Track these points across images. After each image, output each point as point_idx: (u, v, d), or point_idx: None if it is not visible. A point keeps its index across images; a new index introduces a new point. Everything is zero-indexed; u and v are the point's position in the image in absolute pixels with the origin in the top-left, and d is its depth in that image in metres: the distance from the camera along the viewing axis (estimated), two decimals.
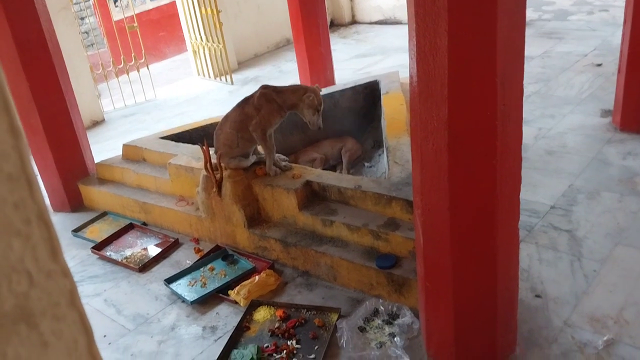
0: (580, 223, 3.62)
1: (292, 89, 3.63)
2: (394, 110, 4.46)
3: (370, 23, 9.74)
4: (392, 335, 2.88)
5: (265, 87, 3.63)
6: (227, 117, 3.69)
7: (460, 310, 2.51)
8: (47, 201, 4.84)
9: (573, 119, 5.05)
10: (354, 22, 9.96)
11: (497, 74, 2.04)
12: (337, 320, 3.05)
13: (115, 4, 8.97)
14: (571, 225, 3.61)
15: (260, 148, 3.73)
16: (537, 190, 3.96)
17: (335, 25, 9.76)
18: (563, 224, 3.63)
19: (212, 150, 3.74)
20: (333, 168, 4.75)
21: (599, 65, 6.21)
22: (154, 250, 3.98)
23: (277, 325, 3.10)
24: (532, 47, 6.58)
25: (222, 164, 3.67)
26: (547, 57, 6.65)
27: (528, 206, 3.75)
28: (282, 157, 3.86)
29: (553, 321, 2.89)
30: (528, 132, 4.46)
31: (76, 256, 4.08)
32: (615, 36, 6.96)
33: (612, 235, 3.46)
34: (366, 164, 4.75)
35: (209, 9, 7.35)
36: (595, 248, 3.37)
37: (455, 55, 2.03)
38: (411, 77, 2.26)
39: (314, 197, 3.60)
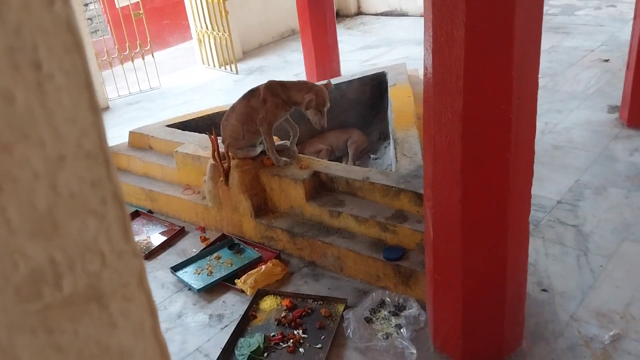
0: (587, 218, 3.62)
1: (298, 85, 3.57)
2: (402, 103, 4.45)
3: (376, 14, 9.70)
4: (399, 326, 2.89)
5: (270, 81, 3.61)
6: (233, 108, 3.68)
7: (469, 303, 2.52)
8: None
9: (580, 114, 5.04)
10: (359, 13, 9.92)
11: (513, 66, 2.04)
12: (343, 310, 3.06)
13: None
14: (578, 220, 3.61)
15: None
16: (543, 185, 3.95)
17: (340, 16, 9.72)
18: (570, 218, 3.64)
19: (219, 139, 3.73)
20: (339, 159, 4.75)
21: (606, 60, 6.19)
22: (159, 238, 3.98)
23: (283, 314, 3.11)
24: None
25: (229, 153, 3.66)
26: (554, 51, 6.63)
27: (535, 200, 3.71)
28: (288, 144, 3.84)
29: (559, 315, 2.90)
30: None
31: None
32: (622, 32, 6.94)
33: (619, 231, 3.46)
34: (372, 156, 4.75)
35: None
36: (601, 243, 3.37)
37: (472, 47, 2.02)
38: (426, 68, 2.25)
39: (321, 188, 3.60)
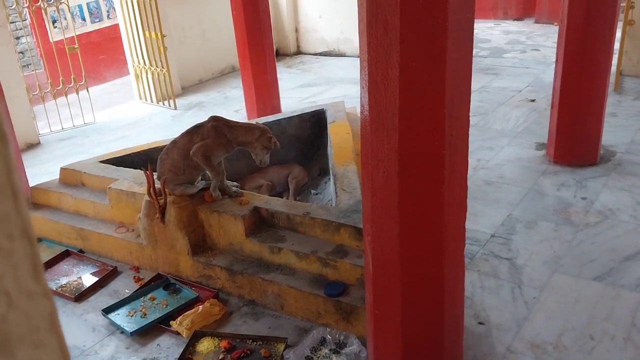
0: (519, 251, 3.74)
1: (246, 127, 3.62)
2: (341, 139, 4.51)
3: (315, 54, 9.89)
4: None
5: (216, 119, 3.59)
6: (174, 142, 3.61)
7: (409, 338, 2.52)
8: None
9: (510, 151, 5.27)
10: (299, 52, 10.09)
11: (445, 104, 2.11)
12: (283, 350, 3.00)
13: (54, 24, 8.71)
14: (511, 254, 3.73)
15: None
16: (477, 219, 4.07)
17: (280, 54, 9.85)
18: (503, 252, 3.75)
19: (155, 175, 3.64)
20: (279, 195, 4.73)
21: (533, 100, 6.54)
22: (91, 279, 3.80)
23: (221, 356, 3.01)
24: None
25: (166, 190, 3.57)
26: (484, 91, 6.94)
27: (469, 234, 3.81)
28: (232, 183, 3.81)
29: (496, 348, 2.95)
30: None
31: None
32: (546, 74, 7.38)
33: (550, 263, 3.59)
34: (313, 191, 4.76)
35: (153, 33, 7.26)
36: (534, 276, 3.49)
37: (406, 85, 2.08)
38: (362, 106, 2.30)
39: (261, 223, 3.56)
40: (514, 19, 11.07)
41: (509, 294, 3.35)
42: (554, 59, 4.84)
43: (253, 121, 5.18)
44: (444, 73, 2.06)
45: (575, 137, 4.74)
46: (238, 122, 3.65)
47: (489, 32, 10.07)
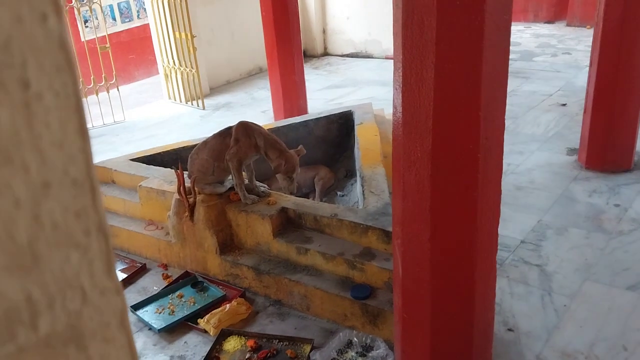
0: (549, 258, 3.68)
1: (273, 144, 3.52)
2: (368, 141, 4.49)
3: (342, 55, 9.88)
4: None
5: (245, 122, 3.60)
6: (205, 143, 3.64)
7: (437, 343, 2.50)
8: None
9: (540, 156, 5.19)
10: (326, 54, 10.09)
11: (480, 107, 2.08)
12: (310, 351, 2.99)
13: (85, 24, 8.86)
14: (541, 260, 3.66)
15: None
16: (507, 225, 4.01)
17: (307, 56, 9.86)
18: (533, 258, 3.69)
19: (185, 174, 3.67)
20: (305, 196, 4.73)
21: (564, 105, 6.43)
22: (120, 276, 3.84)
23: (247, 356, 3.01)
24: None
25: (195, 188, 3.60)
26: (514, 95, 6.85)
27: (499, 240, 3.77)
28: (260, 183, 3.82)
29: (526, 355, 2.90)
30: None
31: None
32: (578, 78, 7.25)
33: (581, 271, 3.52)
34: (339, 193, 4.75)
35: (183, 34, 7.33)
36: (564, 283, 3.42)
37: (440, 87, 2.06)
38: (395, 107, 2.28)
39: (289, 224, 3.56)
40: (545, 22, 10.90)
41: (539, 301, 3.29)
42: (586, 63, 4.76)
43: (283, 123, 5.21)
44: (480, 75, 2.03)
45: (608, 142, 4.65)
46: (268, 133, 3.61)
47: (519, 35, 9.94)
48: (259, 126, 3.62)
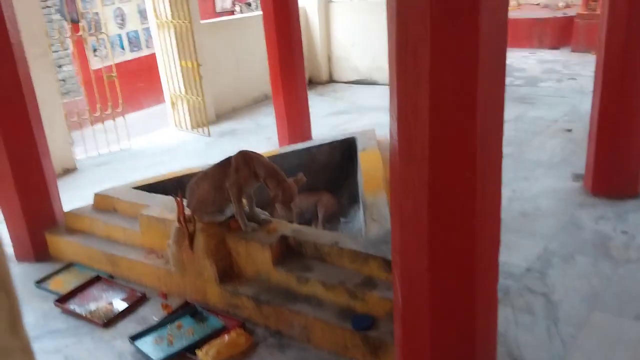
0: (555, 287, 3.60)
1: (270, 171, 3.49)
2: (371, 167, 4.47)
3: (347, 82, 9.94)
4: None
5: (245, 152, 3.59)
6: (206, 174, 3.63)
7: None
8: (10, 250, 4.65)
9: (546, 182, 5.14)
10: (331, 81, 10.16)
11: (477, 135, 2.05)
12: None
13: (94, 53, 9.00)
14: (547, 289, 3.59)
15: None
16: (511, 252, 3.95)
17: (313, 83, 9.94)
18: (539, 287, 3.61)
19: (185, 202, 3.66)
20: (308, 222, 4.70)
21: (569, 130, 6.40)
22: (120, 305, 3.81)
23: None
24: (506, 111, 6.72)
25: (195, 217, 3.58)
26: (519, 121, 6.82)
27: (503, 268, 3.72)
28: (261, 210, 3.80)
29: None
30: (502, 194, 4.49)
31: (38, 309, 3.88)
32: (583, 103, 7.22)
33: (588, 300, 3.44)
34: (342, 219, 4.72)
35: (189, 62, 7.42)
36: (571, 313, 3.34)
37: (436, 116, 2.04)
38: (391, 136, 2.26)
39: (289, 252, 3.53)
40: (550, 48, 10.94)
41: (545, 331, 3.21)
42: (591, 88, 4.73)
43: (286, 150, 5.21)
44: (475, 103, 2.01)
45: (614, 168, 4.60)
46: (268, 162, 3.58)
47: (524, 61, 9.97)
48: (258, 155, 3.61)
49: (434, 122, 2.03)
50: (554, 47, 10.93)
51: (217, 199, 3.55)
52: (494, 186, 2.24)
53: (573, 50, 10.45)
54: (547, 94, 8.01)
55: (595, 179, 4.72)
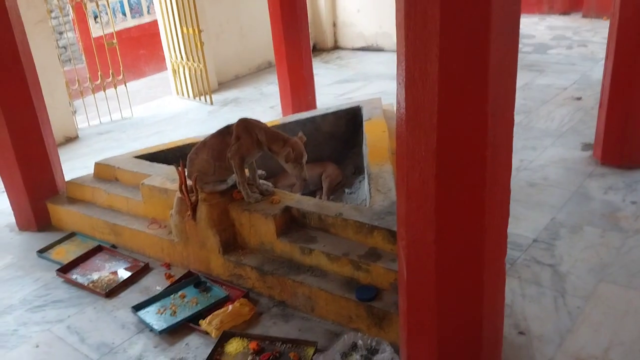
0: (563, 258, 3.55)
1: (274, 135, 3.47)
2: (376, 137, 4.38)
3: (353, 49, 9.76)
4: None
5: (245, 119, 3.51)
6: (204, 143, 3.55)
7: (444, 348, 2.39)
8: (12, 220, 4.63)
9: (554, 151, 5.04)
10: (336, 47, 9.97)
11: (488, 102, 1.96)
12: (313, 354, 2.91)
13: (95, 20, 8.83)
14: (554, 260, 3.54)
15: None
16: (519, 223, 3.89)
17: (317, 50, 9.76)
18: (546, 258, 3.56)
19: (187, 172, 3.60)
20: (312, 193, 4.64)
21: (579, 99, 6.26)
22: (122, 275, 3.79)
23: (250, 358, 2.93)
24: None
25: (197, 187, 3.52)
26: (527, 89, 6.68)
27: (510, 239, 3.61)
28: (264, 181, 3.73)
29: None
30: None
31: (40, 278, 3.87)
32: (593, 71, 7.06)
33: (596, 271, 3.39)
34: (347, 190, 4.65)
35: (190, 29, 7.26)
36: (578, 284, 3.30)
37: (446, 82, 1.94)
38: (398, 103, 2.17)
39: (293, 223, 3.48)
40: (560, 14, 10.67)
41: (552, 303, 3.17)
42: (603, 56, 4.59)
43: (289, 119, 5.11)
44: (487, 69, 1.91)
45: (625, 137, 4.49)
46: (268, 127, 3.54)
47: (534, 28, 9.74)
48: (259, 122, 3.53)
49: (443, 88, 1.94)
50: (565, 12, 10.66)
51: (217, 169, 3.49)
52: (505, 156, 2.16)
53: (584, 16, 10.19)
54: (557, 61, 7.83)
55: (605, 149, 4.63)
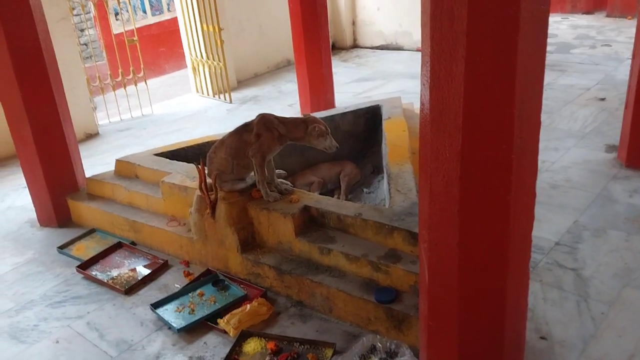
0: (586, 262, 3.49)
1: (293, 122, 3.50)
2: (396, 137, 4.34)
3: (372, 48, 9.71)
4: None
5: (264, 115, 3.51)
6: (222, 142, 3.55)
7: (465, 352, 2.36)
8: (33, 215, 4.67)
9: (577, 153, 4.96)
10: (355, 46, 9.93)
11: (515, 104, 1.92)
12: (331, 356, 2.89)
13: (116, 17, 8.90)
14: (577, 264, 3.47)
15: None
16: (541, 226, 3.82)
17: (336, 48, 9.72)
18: (568, 261, 3.50)
19: (206, 170, 3.60)
20: (331, 192, 4.62)
21: (603, 99, 6.15)
22: (141, 272, 3.80)
23: (267, 358, 2.93)
24: None
25: (217, 185, 3.52)
26: (550, 89, 6.58)
27: (532, 241, 3.61)
28: (283, 180, 3.72)
29: None
30: None
31: (60, 274, 3.90)
32: (618, 71, 6.93)
33: (620, 276, 3.32)
34: (365, 190, 4.62)
35: (210, 26, 7.28)
36: (602, 289, 3.23)
37: (472, 83, 1.91)
38: (422, 104, 2.14)
39: (311, 223, 3.46)
40: (583, 13, 10.51)
41: (574, 307, 3.12)
42: (627, 55, 4.52)
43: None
44: (515, 70, 1.87)
45: None
46: (286, 118, 3.54)
47: (556, 27, 9.60)
48: (276, 116, 3.51)
49: (469, 89, 1.90)
50: (588, 11, 10.49)
51: (236, 167, 3.48)
52: (531, 159, 2.12)
53: (608, 15, 10.01)
54: (580, 60, 7.71)
55: (630, 150, 4.54)
